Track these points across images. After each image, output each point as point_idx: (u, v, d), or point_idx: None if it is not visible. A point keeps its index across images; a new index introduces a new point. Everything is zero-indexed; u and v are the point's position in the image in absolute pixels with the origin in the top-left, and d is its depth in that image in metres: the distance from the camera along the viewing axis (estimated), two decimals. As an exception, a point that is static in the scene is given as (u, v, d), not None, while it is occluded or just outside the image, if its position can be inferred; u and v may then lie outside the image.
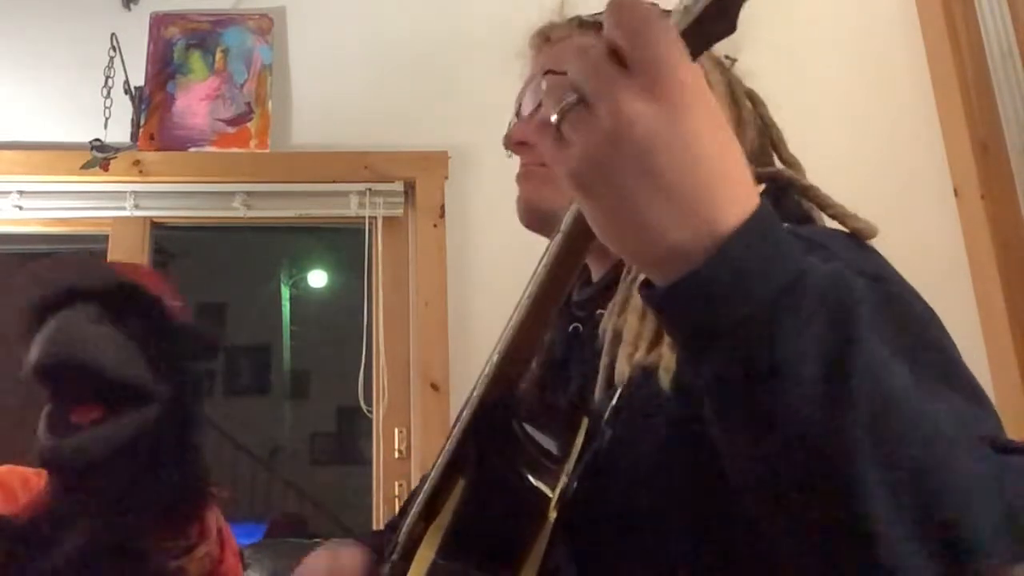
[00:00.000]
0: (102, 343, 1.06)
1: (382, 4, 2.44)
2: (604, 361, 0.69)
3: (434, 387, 2.12)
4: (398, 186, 2.28)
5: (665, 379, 0.62)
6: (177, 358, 1.13)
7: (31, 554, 0.98)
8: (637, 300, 0.68)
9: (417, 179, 2.29)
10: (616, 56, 0.44)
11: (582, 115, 0.45)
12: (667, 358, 0.63)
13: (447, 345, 2.15)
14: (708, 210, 0.43)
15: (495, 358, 0.63)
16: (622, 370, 0.65)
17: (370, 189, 2.26)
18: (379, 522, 2.12)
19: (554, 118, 0.46)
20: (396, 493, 2.10)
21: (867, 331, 0.44)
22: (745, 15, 0.85)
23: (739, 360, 0.43)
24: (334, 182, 2.27)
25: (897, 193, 2.19)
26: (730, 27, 0.45)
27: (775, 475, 0.45)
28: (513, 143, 0.88)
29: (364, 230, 2.29)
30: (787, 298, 0.43)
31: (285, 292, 6.56)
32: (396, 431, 2.15)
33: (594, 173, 0.44)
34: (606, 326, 0.71)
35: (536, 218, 0.87)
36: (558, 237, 0.54)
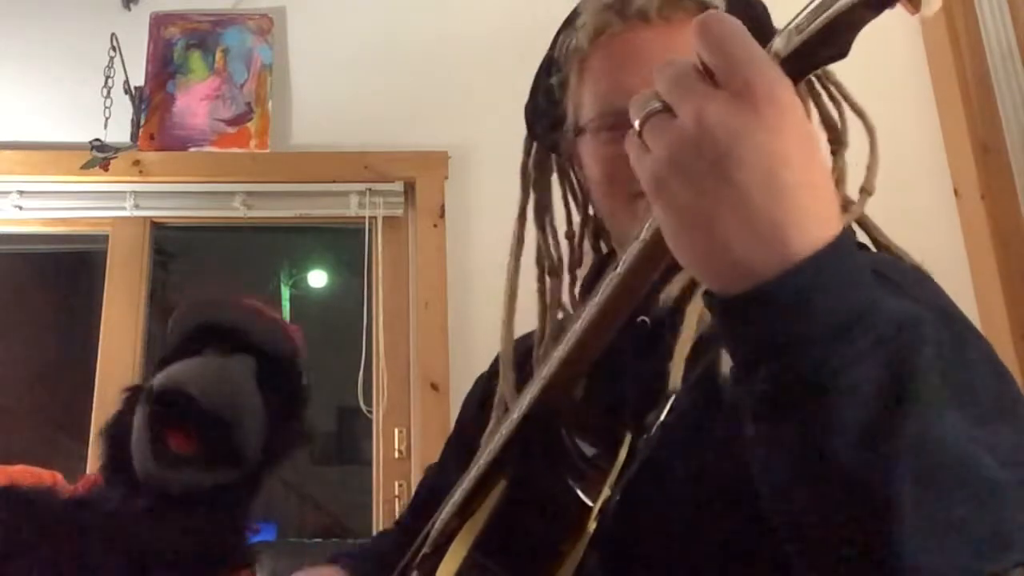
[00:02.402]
0: (251, 407, 1.10)
1: (382, 4, 2.44)
2: (683, 339, 0.66)
3: (434, 387, 2.12)
4: (398, 186, 2.28)
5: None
6: (282, 443, 1.16)
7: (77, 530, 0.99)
8: None
9: (417, 179, 2.29)
10: (704, 70, 0.44)
11: (664, 120, 0.44)
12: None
13: (447, 345, 2.15)
14: (781, 230, 0.43)
15: (554, 363, 0.62)
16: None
17: (370, 189, 2.26)
18: (379, 522, 2.12)
19: (636, 124, 0.46)
20: (396, 493, 2.10)
21: (925, 377, 0.43)
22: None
23: (789, 381, 0.43)
24: (334, 182, 2.27)
25: (897, 193, 2.19)
26: (841, 52, 0.44)
27: (811, 509, 0.44)
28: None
29: (364, 230, 2.29)
30: (848, 330, 0.42)
31: (285, 292, 6.54)
32: (396, 431, 2.15)
33: (670, 175, 0.44)
34: (687, 312, 0.68)
35: None
36: (636, 244, 0.53)
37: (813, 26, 0.43)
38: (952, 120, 2.26)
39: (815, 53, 0.44)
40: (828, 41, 0.43)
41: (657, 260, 0.53)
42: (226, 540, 1.12)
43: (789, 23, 0.44)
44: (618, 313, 0.57)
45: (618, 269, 0.55)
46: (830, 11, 0.42)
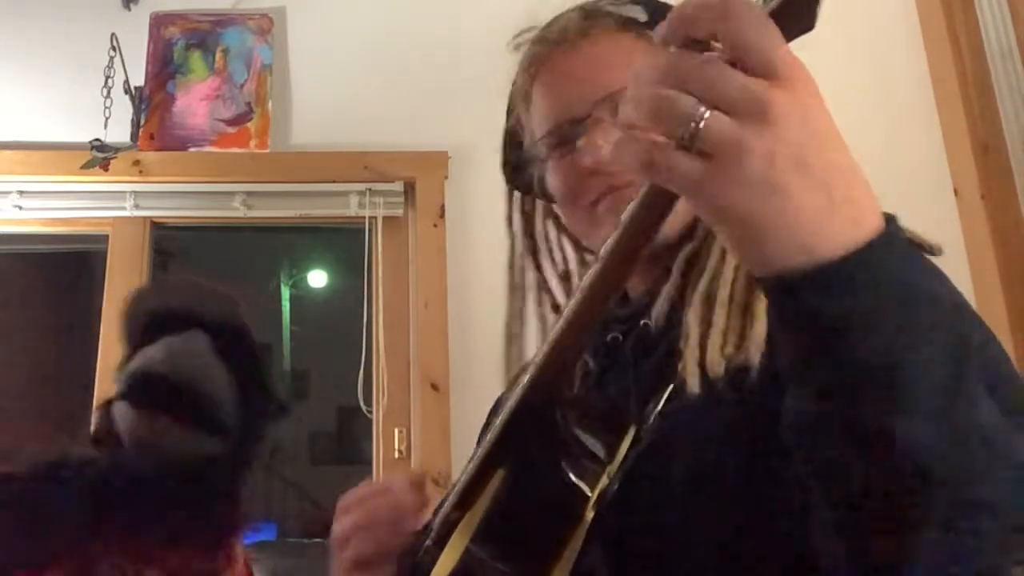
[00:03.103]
0: (216, 375, 1.13)
1: (382, 4, 2.44)
2: (691, 345, 0.67)
3: (434, 387, 2.12)
4: (398, 186, 2.28)
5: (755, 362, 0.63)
6: (256, 410, 1.19)
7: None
8: (723, 296, 0.68)
9: (417, 179, 2.29)
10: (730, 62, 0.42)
11: (724, 123, 0.42)
12: (758, 337, 0.63)
13: (447, 345, 2.15)
14: (856, 208, 0.43)
15: (545, 348, 0.62)
16: (714, 359, 0.65)
17: (370, 189, 2.26)
18: (379, 522, 2.13)
19: (683, 132, 0.43)
20: (396, 493, 2.10)
21: (974, 359, 0.44)
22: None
23: (861, 357, 0.43)
24: (334, 182, 2.27)
25: (897, 193, 2.19)
26: (809, 24, 0.44)
27: (864, 485, 0.45)
28: (589, 169, 0.77)
29: (364, 230, 2.29)
30: (915, 307, 0.43)
31: (285, 292, 6.56)
32: (396, 431, 2.15)
33: (751, 178, 0.42)
34: (687, 319, 0.69)
35: None
36: (618, 230, 0.53)
37: None
38: (952, 120, 2.26)
39: (782, 24, 0.43)
40: (794, 11, 0.43)
41: (641, 242, 0.53)
42: (221, 513, 1.14)
43: None
44: (604, 297, 0.57)
45: (602, 254, 0.55)
46: None
